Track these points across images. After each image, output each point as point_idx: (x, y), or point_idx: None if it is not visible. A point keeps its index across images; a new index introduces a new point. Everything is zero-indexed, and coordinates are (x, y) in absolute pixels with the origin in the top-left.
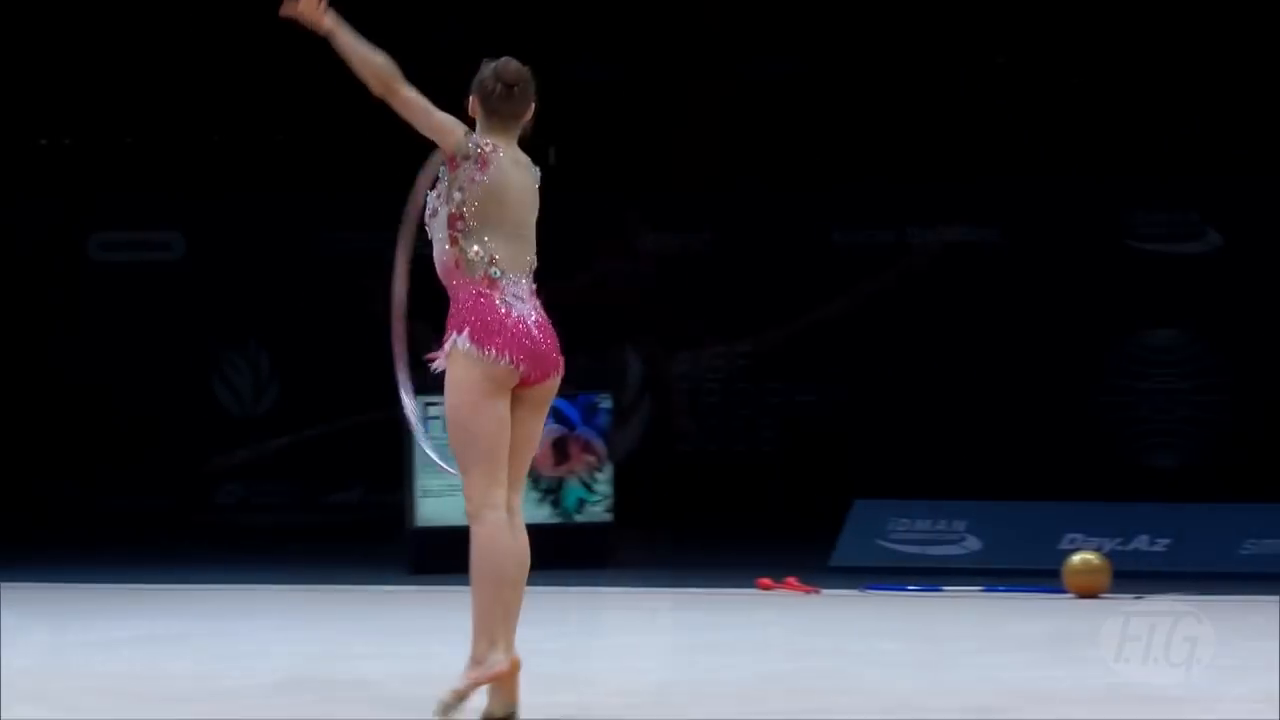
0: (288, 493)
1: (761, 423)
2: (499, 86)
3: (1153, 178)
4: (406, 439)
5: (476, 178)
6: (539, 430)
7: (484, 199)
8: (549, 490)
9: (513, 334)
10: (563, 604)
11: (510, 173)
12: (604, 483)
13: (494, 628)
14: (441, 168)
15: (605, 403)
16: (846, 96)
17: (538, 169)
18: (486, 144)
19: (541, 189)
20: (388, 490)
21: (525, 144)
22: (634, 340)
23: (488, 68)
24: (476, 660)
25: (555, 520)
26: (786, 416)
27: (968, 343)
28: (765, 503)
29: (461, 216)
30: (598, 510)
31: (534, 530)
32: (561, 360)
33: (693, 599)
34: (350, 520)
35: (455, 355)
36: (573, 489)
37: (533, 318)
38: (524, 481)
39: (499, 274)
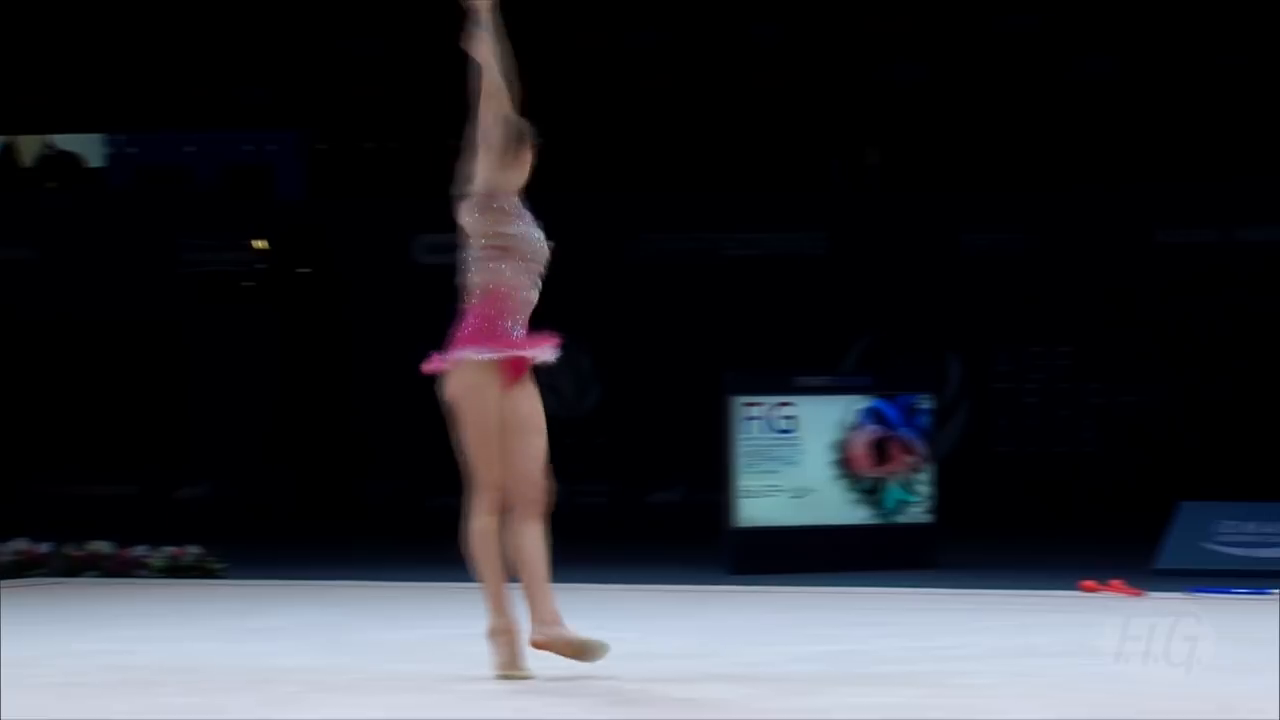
0: (610, 492)
1: (1082, 423)
2: (525, 135)
3: None
4: (728, 438)
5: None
6: None
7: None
8: (869, 491)
9: None
10: (884, 604)
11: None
12: (924, 484)
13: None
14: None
15: (926, 404)
16: (1167, 96)
17: None
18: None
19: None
20: (710, 490)
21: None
22: (954, 341)
23: (511, 114)
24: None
25: (876, 521)
26: (1107, 417)
27: None
28: (1086, 504)
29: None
30: (918, 511)
31: (855, 530)
32: None
33: (1014, 601)
34: (672, 519)
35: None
36: (893, 490)
37: None
38: None
39: None
